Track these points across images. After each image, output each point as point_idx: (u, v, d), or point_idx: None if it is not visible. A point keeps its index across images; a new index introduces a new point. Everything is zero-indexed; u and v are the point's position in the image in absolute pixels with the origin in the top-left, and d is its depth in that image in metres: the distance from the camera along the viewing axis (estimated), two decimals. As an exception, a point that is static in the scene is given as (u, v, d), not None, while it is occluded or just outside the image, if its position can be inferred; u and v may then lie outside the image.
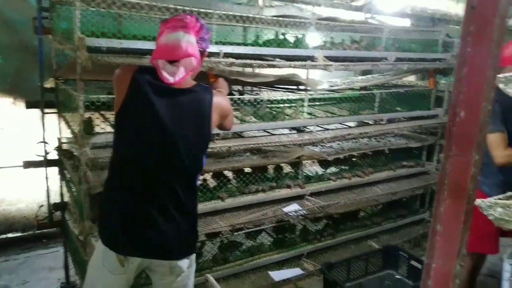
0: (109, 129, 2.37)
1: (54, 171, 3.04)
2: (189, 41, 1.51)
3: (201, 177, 2.88)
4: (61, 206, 3.02)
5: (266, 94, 3.80)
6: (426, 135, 3.80)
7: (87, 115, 2.19)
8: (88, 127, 2.19)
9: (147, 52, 2.09)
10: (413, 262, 3.02)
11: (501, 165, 2.34)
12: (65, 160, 2.74)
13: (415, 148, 3.72)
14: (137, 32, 2.23)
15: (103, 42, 1.98)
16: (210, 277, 2.07)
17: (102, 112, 2.67)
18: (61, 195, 3.06)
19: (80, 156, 2.08)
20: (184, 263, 1.67)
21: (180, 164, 1.57)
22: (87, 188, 2.12)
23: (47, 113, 2.90)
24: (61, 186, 3.03)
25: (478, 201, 1.64)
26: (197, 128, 1.59)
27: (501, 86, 1.56)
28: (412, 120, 3.61)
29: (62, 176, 3.01)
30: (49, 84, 2.87)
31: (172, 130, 1.53)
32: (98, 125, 2.34)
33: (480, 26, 0.96)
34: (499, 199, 1.66)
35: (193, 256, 1.74)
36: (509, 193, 1.69)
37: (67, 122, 2.65)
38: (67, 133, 2.74)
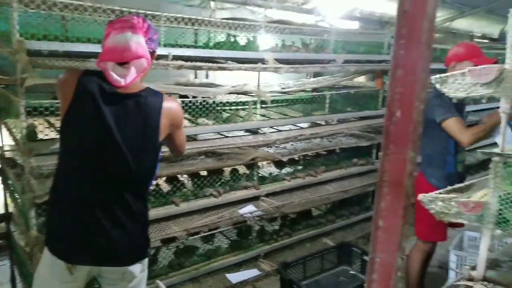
0: (54, 135, 2.28)
1: (-4, 181, 2.88)
2: (138, 42, 1.47)
3: (154, 182, 2.84)
4: (5, 217, 2.85)
5: (220, 96, 3.80)
6: (375, 134, 3.94)
7: (30, 121, 2.09)
8: (31, 134, 2.10)
9: (92, 55, 2.03)
10: (366, 258, 3.12)
11: (469, 145, 2.43)
12: (8, 169, 2.61)
13: (365, 147, 3.85)
14: (85, 34, 2.16)
15: (44, 45, 1.90)
16: (160, 283, 2.04)
17: (47, 118, 2.56)
18: (6, 205, 2.91)
19: (24, 164, 1.99)
20: (136, 268, 1.63)
21: (127, 171, 1.53)
22: (31, 198, 2.02)
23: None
24: (5, 196, 2.88)
25: (420, 196, 1.73)
26: (145, 134, 1.54)
27: (437, 86, 1.64)
28: (362, 120, 3.73)
29: (6, 186, 2.86)
30: (-12, 89, 2.72)
31: (119, 137, 1.49)
32: (41, 131, 2.25)
33: (412, 29, 1.01)
34: (440, 193, 1.75)
35: (146, 260, 1.70)
36: (449, 187, 1.79)
37: (9, 129, 2.52)
38: (9, 141, 2.60)
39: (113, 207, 1.53)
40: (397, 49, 1.03)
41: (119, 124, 1.49)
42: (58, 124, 2.58)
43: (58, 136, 2.36)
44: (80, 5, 1.99)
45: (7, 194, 2.87)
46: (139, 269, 1.65)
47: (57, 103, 2.09)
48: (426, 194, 1.72)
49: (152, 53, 1.60)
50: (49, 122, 2.53)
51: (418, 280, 2.80)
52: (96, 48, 2.08)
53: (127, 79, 1.46)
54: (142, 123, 1.53)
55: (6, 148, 2.83)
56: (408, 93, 1.04)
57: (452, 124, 2.42)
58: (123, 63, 1.47)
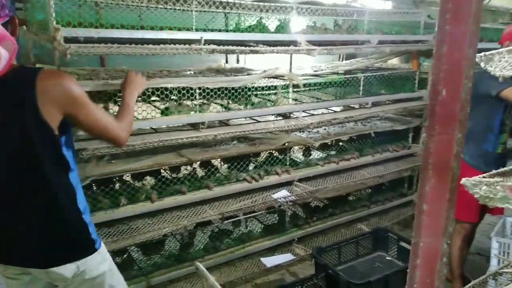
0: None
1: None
2: None
3: (189, 167, 2.86)
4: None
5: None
6: (411, 117, 3.83)
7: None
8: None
9: (126, 41, 2.05)
10: (403, 244, 3.06)
11: None
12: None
13: (401, 131, 3.74)
14: (118, 21, 2.17)
15: (81, 32, 1.93)
16: (200, 265, 2.06)
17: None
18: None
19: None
20: (64, 269, 1.44)
21: (12, 166, 1.37)
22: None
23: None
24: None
25: (463, 180, 1.66)
26: (23, 121, 1.30)
27: (482, 64, 1.56)
28: (397, 103, 3.63)
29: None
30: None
31: None
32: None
33: (458, 3, 0.95)
34: (484, 177, 1.68)
35: (86, 262, 1.48)
36: (493, 172, 1.71)
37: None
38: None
39: (19, 204, 1.41)
40: (442, 24, 0.97)
41: None
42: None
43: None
44: (114, -10, 2.00)
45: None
46: (71, 272, 1.46)
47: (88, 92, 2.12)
48: (469, 178, 1.65)
49: (12, 20, 1.35)
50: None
51: (459, 266, 2.73)
52: (130, 33, 2.10)
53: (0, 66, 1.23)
54: (16, 110, 1.31)
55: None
56: (454, 71, 0.99)
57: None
58: None
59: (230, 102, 2.88)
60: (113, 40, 2.03)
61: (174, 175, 2.76)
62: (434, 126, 1.06)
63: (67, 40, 1.88)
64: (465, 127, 1.03)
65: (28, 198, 1.40)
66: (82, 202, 1.50)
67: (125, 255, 2.73)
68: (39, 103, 1.28)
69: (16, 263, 1.46)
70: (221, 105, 2.86)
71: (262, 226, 3.32)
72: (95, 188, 2.45)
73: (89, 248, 1.51)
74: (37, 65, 2.62)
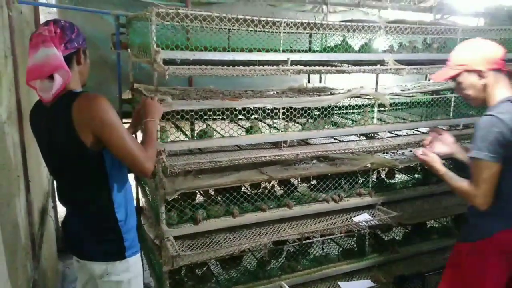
0: (182, 137, 2.45)
1: (130, 177, 3.19)
2: (52, 55, 1.53)
3: (268, 184, 2.89)
4: (137, 211, 3.16)
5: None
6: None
7: (162, 124, 2.28)
8: (163, 136, 2.30)
9: (218, 62, 2.15)
10: (497, 278, 2.79)
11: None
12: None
13: (496, 155, 3.45)
14: (210, 44, 2.29)
15: (178, 54, 2.07)
16: (285, 285, 2.05)
17: (175, 122, 2.77)
18: (137, 200, 3.21)
19: (156, 163, 2.17)
20: (95, 266, 1.72)
21: (65, 176, 1.72)
22: (163, 194, 2.21)
23: (125, 123, 3.05)
24: (137, 192, 3.18)
25: None
26: (66, 138, 1.59)
27: None
28: (492, 125, 3.36)
29: (138, 182, 3.16)
30: (126, 95, 3.04)
31: (51, 147, 1.67)
32: (172, 133, 2.44)
33: None
34: None
35: (115, 265, 1.72)
36: None
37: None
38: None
39: (72, 206, 1.78)
40: None
41: (50, 136, 1.65)
42: (186, 127, 2.80)
43: (185, 139, 2.56)
44: (208, 15, 2.11)
45: (139, 190, 3.17)
46: (100, 271, 1.72)
47: (181, 111, 2.24)
48: None
49: (78, 52, 1.65)
50: (177, 126, 2.74)
51: None
52: (221, 55, 2.21)
53: (53, 90, 1.55)
54: (62, 128, 1.59)
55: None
56: None
57: None
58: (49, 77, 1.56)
59: (312, 121, 2.87)
60: (206, 62, 2.14)
61: (253, 192, 2.80)
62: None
63: (166, 62, 2.03)
64: None
65: (74, 203, 1.75)
66: (122, 212, 1.73)
67: (205, 268, 2.81)
68: (75, 124, 1.54)
69: (70, 250, 1.83)
70: (302, 124, 2.86)
71: (340, 249, 3.23)
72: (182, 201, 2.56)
73: (118, 254, 1.72)
74: (135, 85, 2.85)
